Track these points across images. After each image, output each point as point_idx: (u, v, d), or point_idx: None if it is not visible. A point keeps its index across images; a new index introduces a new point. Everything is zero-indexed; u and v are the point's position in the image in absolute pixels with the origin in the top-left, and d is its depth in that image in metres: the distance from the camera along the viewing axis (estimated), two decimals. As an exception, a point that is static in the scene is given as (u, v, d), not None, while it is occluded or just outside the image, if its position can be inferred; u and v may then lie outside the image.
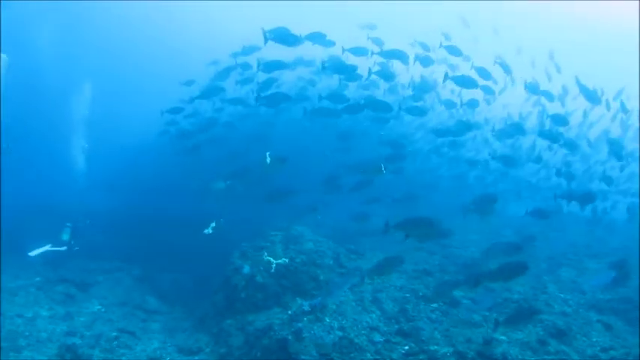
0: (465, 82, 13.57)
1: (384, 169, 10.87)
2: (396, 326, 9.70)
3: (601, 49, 43.87)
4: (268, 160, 10.42)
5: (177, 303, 13.83)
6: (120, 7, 39.52)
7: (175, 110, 16.31)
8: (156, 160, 20.04)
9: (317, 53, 15.89)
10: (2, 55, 15.53)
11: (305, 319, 9.39)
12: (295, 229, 12.59)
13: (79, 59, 29.72)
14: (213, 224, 11.01)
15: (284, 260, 10.84)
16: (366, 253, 12.82)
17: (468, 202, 11.62)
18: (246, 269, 10.91)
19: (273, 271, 10.71)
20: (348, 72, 13.65)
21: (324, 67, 13.79)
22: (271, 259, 10.62)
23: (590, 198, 13.42)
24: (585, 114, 18.42)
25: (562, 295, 11.24)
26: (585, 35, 43.79)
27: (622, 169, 17.07)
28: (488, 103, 17.82)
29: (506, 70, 15.26)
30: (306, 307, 9.52)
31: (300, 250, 11.54)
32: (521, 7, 41.96)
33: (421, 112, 14.35)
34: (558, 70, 17.57)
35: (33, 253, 14.29)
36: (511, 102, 19.93)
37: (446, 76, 13.52)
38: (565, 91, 17.69)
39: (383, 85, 16.80)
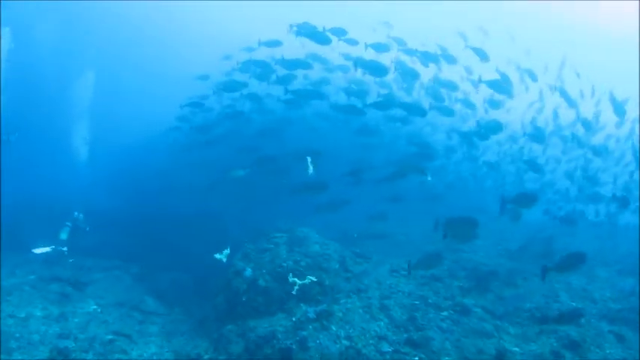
0: (497, 86, 13.46)
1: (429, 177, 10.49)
2: (405, 335, 9.05)
3: (600, 50, 43.35)
4: (310, 168, 9.87)
5: (176, 303, 13.13)
6: (120, 7, 38.72)
7: (194, 104, 15.66)
8: (157, 158, 19.36)
9: (323, 51, 15.25)
10: (5, 28, 15.05)
11: (310, 327, 8.67)
12: (301, 231, 11.83)
13: (78, 58, 28.83)
14: (227, 251, 10.23)
15: (309, 279, 9.91)
16: (372, 256, 12.07)
17: (506, 199, 10.96)
18: (248, 272, 10.19)
19: (294, 293, 9.79)
20: (379, 71, 13.12)
21: (355, 64, 13.17)
22: (296, 280, 9.67)
23: (626, 202, 12.90)
24: (596, 118, 17.83)
25: (574, 304, 10.58)
26: (584, 36, 43.23)
27: (631, 174, 16.47)
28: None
29: (532, 76, 15.02)
30: (312, 314, 8.78)
31: (305, 253, 10.79)
32: (521, 7, 41.34)
33: (449, 112, 13.81)
34: (578, 76, 16.94)
35: (37, 251, 13.64)
36: (513, 106, 19.29)
37: (479, 79, 13.31)
38: (582, 95, 17.09)
39: (395, 83, 16.17)
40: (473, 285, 11.13)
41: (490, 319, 9.87)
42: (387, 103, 12.83)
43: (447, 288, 10.84)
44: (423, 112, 12.71)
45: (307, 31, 12.63)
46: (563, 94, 14.54)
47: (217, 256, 10.14)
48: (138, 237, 15.73)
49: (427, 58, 13.71)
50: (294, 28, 12.81)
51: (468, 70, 16.01)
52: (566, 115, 18.52)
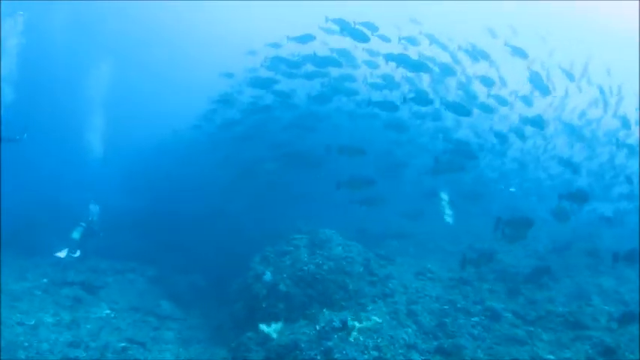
0: (541, 86, 13.25)
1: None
2: (435, 343, 8.28)
3: (600, 47, 42.42)
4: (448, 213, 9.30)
5: (193, 307, 12.44)
6: (128, 7, 37.86)
7: (224, 100, 14.92)
8: (174, 157, 18.60)
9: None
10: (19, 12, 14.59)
11: (335, 336, 7.84)
12: (322, 233, 10.83)
13: (86, 58, 27.96)
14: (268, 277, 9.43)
15: (375, 321, 8.71)
16: (396, 258, 11.23)
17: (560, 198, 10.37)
18: (268, 276, 9.37)
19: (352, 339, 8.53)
20: (418, 68, 12.65)
21: (392, 59, 12.42)
22: (356, 325, 8.14)
23: None
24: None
25: (607, 308, 9.76)
26: (585, 33, 42.30)
27: None
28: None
29: (570, 76, 14.98)
30: (337, 323, 7.96)
31: (327, 256, 9.86)
32: (520, 6, 40.48)
33: (489, 109, 13.51)
34: (608, 73, 16.26)
35: (60, 255, 12.92)
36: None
37: (530, 77, 13.08)
38: (611, 93, 16.33)
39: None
40: (502, 288, 10.34)
41: (522, 324, 9.12)
42: (426, 99, 12.15)
43: (476, 291, 10.06)
44: (467, 112, 12.03)
45: (345, 28, 11.97)
46: (602, 92, 13.91)
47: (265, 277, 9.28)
48: (153, 238, 15.06)
49: (468, 54, 13.07)
50: (329, 23, 12.16)
51: (494, 66, 15.29)
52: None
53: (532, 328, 8.94)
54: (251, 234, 14.20)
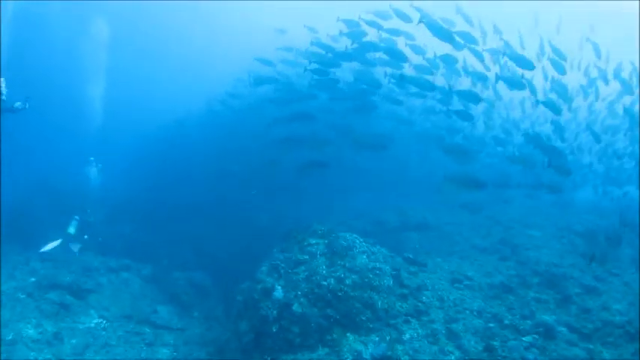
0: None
1: None
2: (487, 374, 6.10)
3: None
4: None
5: (193, 309, 10.34)
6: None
7: (266, 80, 12.75)
8: (176, 146, 16.18)
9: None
10: None
11: (368, 378, 5.63)
12: (343, 237, 8.24)
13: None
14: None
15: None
16: (427, 261, 8.89)
17: None
18: (279, 293, 7.07)
19: None
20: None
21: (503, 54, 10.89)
22: None
23: None
24: None
25: (664, 312, 7.72)
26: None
27: None
28: None
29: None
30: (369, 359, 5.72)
31: (350, 267, 7.48)
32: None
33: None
34: None
35: (44, 249, 10.73)
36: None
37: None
38: None
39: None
40: (550, 295, 8.14)
41: (579, 340, 7.14)
42: (519, 82, 10.18)
43: (521, 302, 7.94)
44: (558, 110, 10.20)
45: (432, 27, 9.98)
46: None
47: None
48: (152, 230, 12.86)
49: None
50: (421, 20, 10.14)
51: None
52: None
53: (591, 345, 6.99)
54: (258, 222, 12.14)
